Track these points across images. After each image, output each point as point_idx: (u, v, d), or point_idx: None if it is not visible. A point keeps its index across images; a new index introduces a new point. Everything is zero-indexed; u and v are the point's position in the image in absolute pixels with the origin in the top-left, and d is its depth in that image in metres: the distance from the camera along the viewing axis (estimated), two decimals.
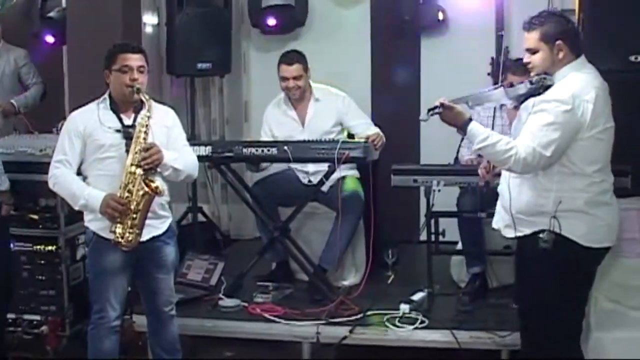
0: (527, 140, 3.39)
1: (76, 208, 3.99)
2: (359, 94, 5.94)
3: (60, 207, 4.96)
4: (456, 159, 5.58)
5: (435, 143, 6.59)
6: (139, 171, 3.85)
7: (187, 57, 6.20)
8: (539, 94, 3.46)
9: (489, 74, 6.48)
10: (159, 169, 3.95)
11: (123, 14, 5.81)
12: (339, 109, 5.54)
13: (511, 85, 3.62)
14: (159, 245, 4.06)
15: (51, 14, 6.59)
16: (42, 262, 5.04)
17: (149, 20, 6.69)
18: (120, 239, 3.85)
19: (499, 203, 3.79)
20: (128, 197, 3.84)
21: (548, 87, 3.46)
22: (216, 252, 6.07)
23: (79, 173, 4.03)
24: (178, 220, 6.15)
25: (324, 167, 5.18)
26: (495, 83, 3.58)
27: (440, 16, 6.58)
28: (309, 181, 5.53)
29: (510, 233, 3.67)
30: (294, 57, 5.50)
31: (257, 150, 5.03)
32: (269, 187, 5.49)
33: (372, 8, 6.90)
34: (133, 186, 3.84)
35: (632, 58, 5.06)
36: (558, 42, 3.45)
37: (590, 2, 5.09)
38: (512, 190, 3.58)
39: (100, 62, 4.07)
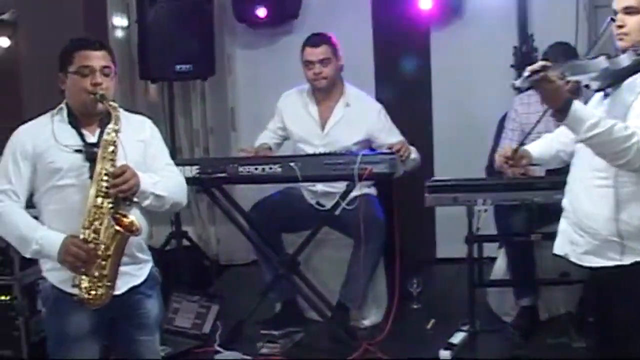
0: None
1: (27, 255, 3.09)
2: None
3: (13, 249, 4.01)
4: (489, 166, 4.77)
5: (453, 149, 5.93)
6: (107, 203, 2.96)
7: (163, 58, 5.36)
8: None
9: (512, 65, 5.78)
10: (135, 199, 3.04)
11: (85, 14, 5.22)
12: (374, 123, 4.69)
13: (609, 56, 2.79)
14: (138, 298, 3.15)
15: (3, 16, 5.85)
16: None
17: (118, 22, 5.98)
18: (86, 295, 2.95)
19: (564, 222, 2.97)
20: (94, 238, 2.94)
21: None
22: (206, 286, 5.40)
23: (29, 206, 3.13)
24: (161, 247, 5.45)
25: (335, 186, 4.44)
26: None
27: None
28: (318, 203, 4.68)
29: (596, 261, 2.85)
30: (319, 38, 4.74)
31: (256, 169, 4.26)
32: (269, 212, 4.69)
33: None
34: (100, 224, 2.95)
35: None
36: None
37: None
38: (603, 204, 2.79)
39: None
